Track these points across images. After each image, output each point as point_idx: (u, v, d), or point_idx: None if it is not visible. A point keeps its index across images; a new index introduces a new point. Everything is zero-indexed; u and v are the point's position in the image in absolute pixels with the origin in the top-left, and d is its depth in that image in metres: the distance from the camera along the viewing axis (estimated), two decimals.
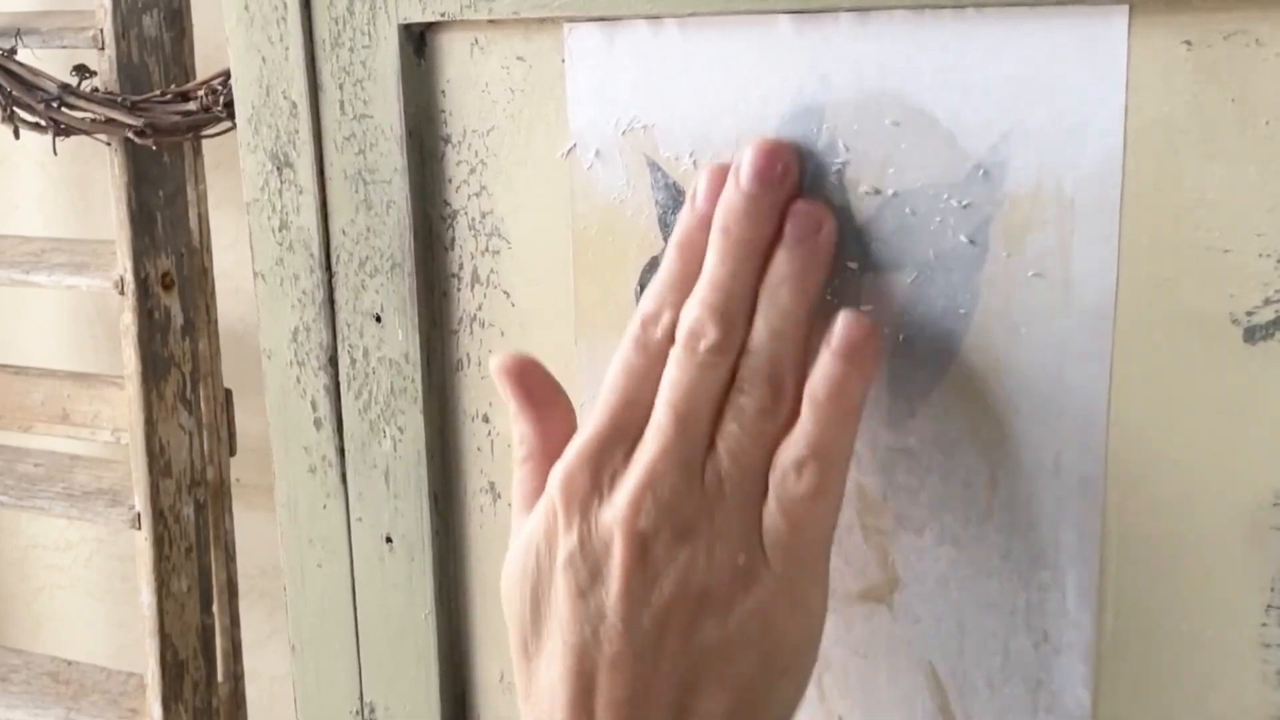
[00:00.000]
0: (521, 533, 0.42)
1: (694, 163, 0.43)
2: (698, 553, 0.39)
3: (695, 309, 0.40)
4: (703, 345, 0.40)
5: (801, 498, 0.39)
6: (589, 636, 0.39)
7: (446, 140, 0.48)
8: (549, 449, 0.43)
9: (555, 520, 0.41)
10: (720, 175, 0.42)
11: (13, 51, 0.86)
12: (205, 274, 0.94)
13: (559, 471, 0.41)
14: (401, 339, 0.49)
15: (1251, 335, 0.37)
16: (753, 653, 0.39)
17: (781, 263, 0.40)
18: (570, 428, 0.44)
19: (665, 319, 0.41)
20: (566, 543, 0.40)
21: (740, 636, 0.39)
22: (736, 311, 0.40)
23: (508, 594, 0.42)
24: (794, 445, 0.39)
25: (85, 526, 1.20)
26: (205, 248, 0.94)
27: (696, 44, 0.43)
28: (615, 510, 0.39)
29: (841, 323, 0.40)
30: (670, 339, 0.41)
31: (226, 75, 0.83)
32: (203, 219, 0.93)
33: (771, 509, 0.39)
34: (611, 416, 0.41)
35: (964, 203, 0.40)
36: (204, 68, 0.89)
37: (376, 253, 0.49)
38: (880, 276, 0.41)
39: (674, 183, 0.44)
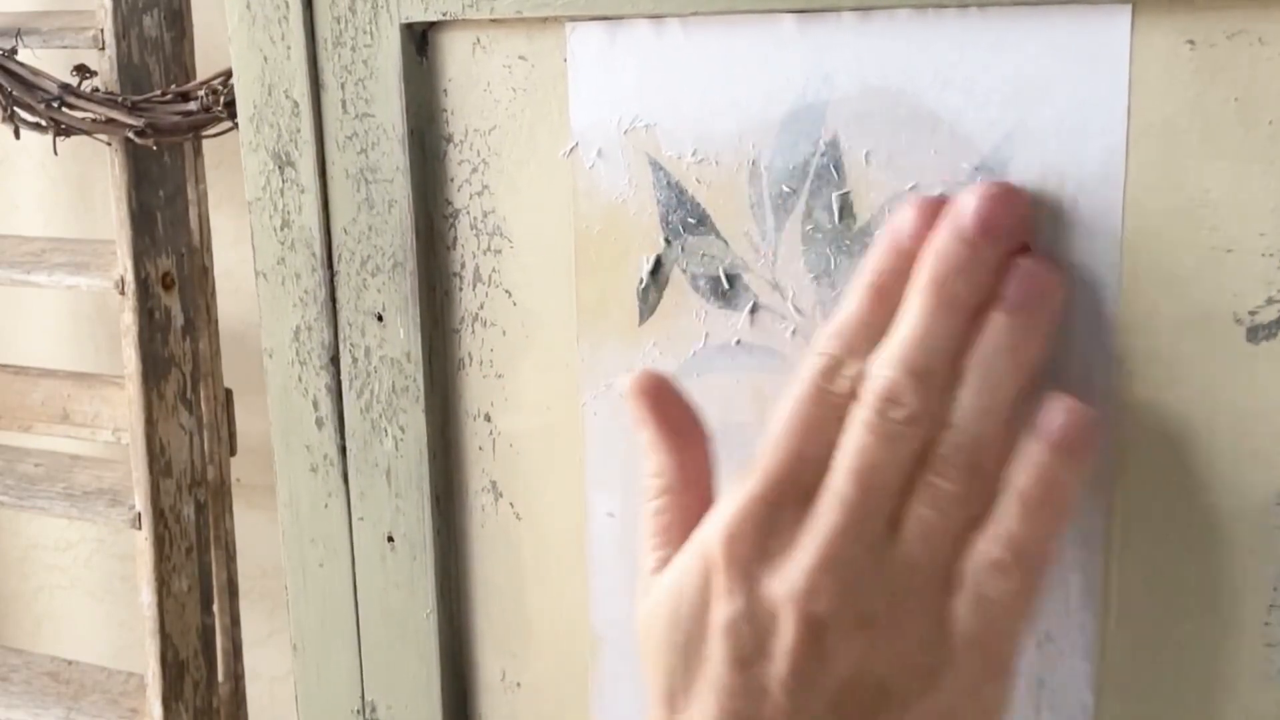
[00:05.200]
0: (669, 576, 0.39)
1: (696, 162, 0.43)
2: (877, 644, 0.36)
3: (891, 368, 0.36)
4: (897, 414, 0.36)
5: (1000, 601, 0.36)
6: (749, 710, 0.36)
7: (448, 139, 0.48)
8: (689, 483, 0.40)
9: (714, 579, 0.37)
10: (933, 210, 0.37)
11: (13, 51, 0.86)
12: (205, 274, 0.94)
13: (721, 529, 0.37)
14: (403, 338, 0.49)
15: (1255, 334, 0.37)
16: None
17: (1000, 330, 0.36)
18: (710, 459, 0.41)
19: (851, 370, 0.37)
20: (728, 608, 0.37)
21: None
22: (939, 378, 0.36)
23: (651, 637, 0.39)
24: (994, 542, 0.36)
25: (85, 526, 1.20)
26: (205, 248, 0.94)
27: (699, 43, 0.43)
28: (788, 586, 0.36)
29: (1059, 409, 0.36)
30: (854, 393, 0.37)
31: (227, 75, 0.83)
32: (203, 219, 0.93)
33: (964, 607, 0.36)
34: (781, 473, 0.37)
35: None
36: (204, 68, 0.89)
37: (378, 252, 0.49)
38: None
39: (676, 182, 0.44)
